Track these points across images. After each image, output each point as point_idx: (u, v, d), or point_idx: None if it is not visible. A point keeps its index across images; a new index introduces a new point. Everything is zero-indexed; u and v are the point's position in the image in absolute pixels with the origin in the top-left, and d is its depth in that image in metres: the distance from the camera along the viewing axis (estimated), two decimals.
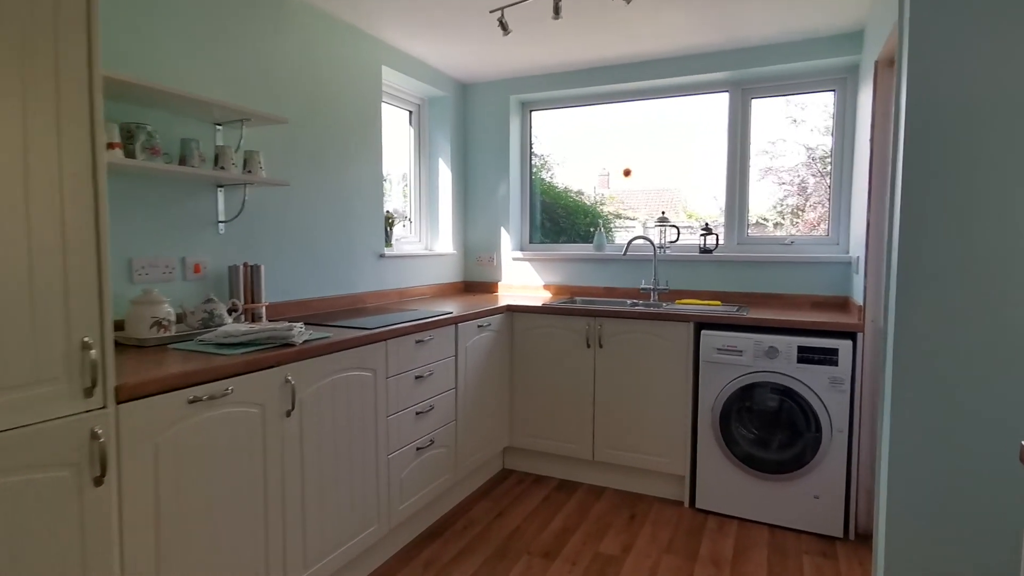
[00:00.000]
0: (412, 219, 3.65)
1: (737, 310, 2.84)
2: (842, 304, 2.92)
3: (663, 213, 3.38)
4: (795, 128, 3.36)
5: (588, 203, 4.05)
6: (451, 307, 2.88)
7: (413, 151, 3.63)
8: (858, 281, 2.62)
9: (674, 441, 2.75)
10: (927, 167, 1.53)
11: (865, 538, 2.45)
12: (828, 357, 2.40)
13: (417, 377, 2.34)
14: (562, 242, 3.80)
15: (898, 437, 1.56)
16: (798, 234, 3.36)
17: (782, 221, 3.67)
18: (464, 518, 2.62)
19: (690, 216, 3.82)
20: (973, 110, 1.46)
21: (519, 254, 3.67)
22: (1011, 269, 1.43)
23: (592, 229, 3.72)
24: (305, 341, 1.81)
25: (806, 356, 2.44)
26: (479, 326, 2.77)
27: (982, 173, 1.46)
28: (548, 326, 2.98)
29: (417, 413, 2.34)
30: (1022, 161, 1.42)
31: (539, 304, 3.04)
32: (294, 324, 1.84)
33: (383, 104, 3.13)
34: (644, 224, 4.15)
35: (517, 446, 3.10)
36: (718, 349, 2.59)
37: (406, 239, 3.55)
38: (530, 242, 3.83)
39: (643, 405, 2.80)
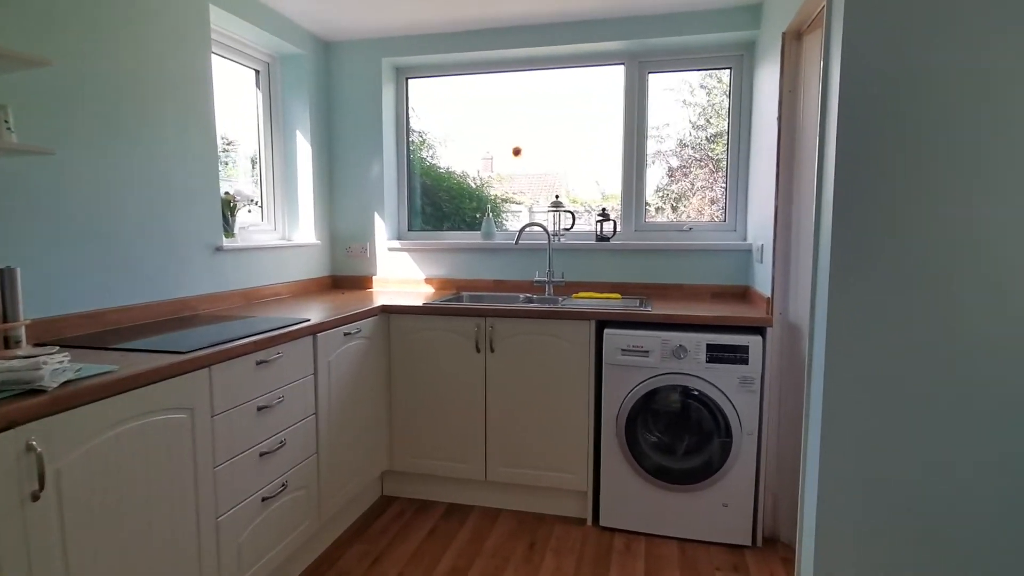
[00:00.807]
0: (263, 203, 3.02)
1: (639, 304, 2.59)
2: (742, 294, 2.78)
3: (557, 197, 3.06)
4: (685, 110, 3.18)
5: (474, 186, 3.65)
6: (313, 311, 2.35)
7: (262, 120, 2.99)
8: (761, 270, 2.47)
9: (575, 454, 2.45)
10: (863, 146, 1.30)
11: (771, 543, 2.31)
12: (738, 355, 2.21)
13: (261, 408, 1.81)
14: (445, 229, 3.37)
15: (829, 440, 1.36)
16: (694, 220, 3.21)
17: (663, 206, 3.51)
18: (332, 572, 2.14)
19: (574, 201, 3.56)
20: (914, 81, 1.23)
21: (396, 244, 3.18)
22: (955, 259, 1.24)
23: (478, 215, 3.33)
24: (66, 383, 1.23)
25: (716, 355, 2.23)
26: (346, 334, 2.28)
27: (926, 150, 1.24)
28: (430, 328, 2.55)
29: (262, 454, 1.82)
30: (970, 138, 1.22)
31: (420, 303, 2.60)
32: (48, 355, 1.24)
33: (215, 57, 2.49)
34: (531, 209, 3.84)
35: (398, 469, 2.65)
36: (623, 350, 2.32)
37: (256, 227, 2.92)
38: (409, 230, 3.36)
39: (541, 416, 2.48)
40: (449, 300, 2.78)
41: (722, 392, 2.23)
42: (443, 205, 3.50)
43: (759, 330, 2.27)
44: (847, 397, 1.35)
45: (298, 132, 3.07)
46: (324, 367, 2.14)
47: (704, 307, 2.50)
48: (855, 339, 1.34)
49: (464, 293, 3.01)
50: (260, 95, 2.98)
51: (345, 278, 3.27)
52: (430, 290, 3.15)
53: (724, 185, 3.00)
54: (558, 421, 2.46)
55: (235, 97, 2.85)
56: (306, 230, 3.12)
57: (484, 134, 3.43)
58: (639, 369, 2.31)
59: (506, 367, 2.49)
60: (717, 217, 3.06)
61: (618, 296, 2.78)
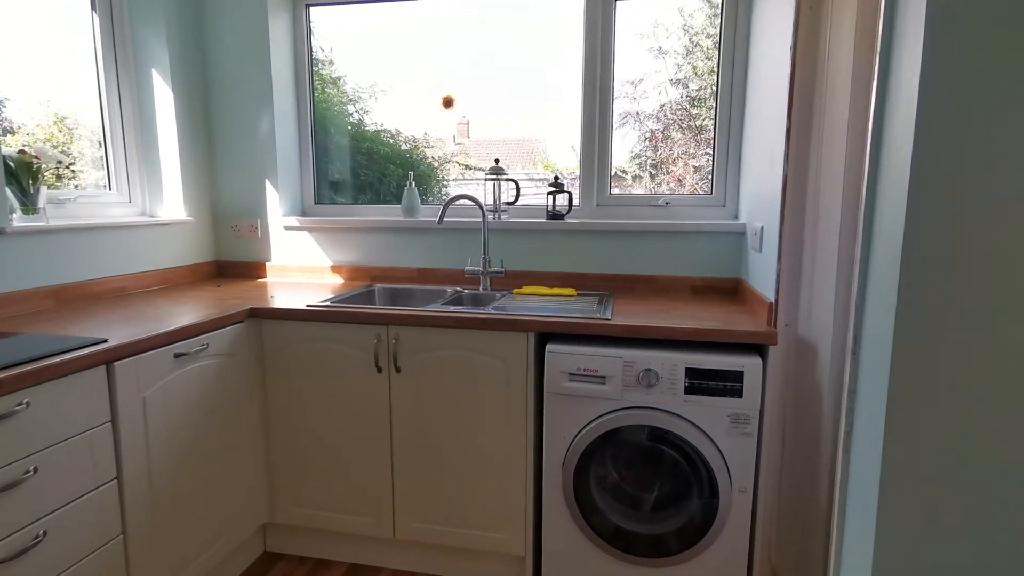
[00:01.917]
0: (110, 166, 2.28)
1: (599, 303, 1.95)
2: (731, 289, 2.16)
3: (497, 162, 2.37)
4: (661, 60, 2.50)
5: (406, 147, 2.94)
6: (146, 319, 1.65)
7: (102, 57, 2.24)
8: (759, 263, 1.83)
9: (510, 510, 1.84)
10: (961, 79, 0.66)
11: None
12: (729, 384, 1.58)
13: None
14: (364, 202, 2.67)
15: (889, 520, 0.76)
16: (673, 193, 2.56)
17: (641, 174, 2.88)
18: None
19: (547, 168, 2.89)
20: None
21: (294, 221, 2.48)
22: None
23: (420, 187, 2.63)
24: None
25: (699, 383, 1.60)
26: (178, 355, 1.60)
27: None
28: (316, 339, 1.88)
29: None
30: None
31: (304, 305, 1.92)
32: None
33: None
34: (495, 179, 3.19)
35: (283, 522, 2.02)
36: (571, 374, 1.68)
37: (94, 198, 2.19)
38: (316, 203, 2.65)
39: (464, 458, 1.84)
40: (351, 298, 2.11)
41: (706, 435, 1.61)
42: (361, 171, 2.79)
43: (758, 349, 1.64)
44: (920, 458, 0.76)
45: (155, 73, 2.31)
46: (133, 408, 1.47)
47: (683, 309, 1.87)
48: (937, 368, 0.73)
49: (378, 285, 2.34)
50: (98, 21, 2.22)
51: (232, 265, 2.57)
52: (338, 280, 2.46)
53: (710, 150, 2.34)
54: (487, 466, 1.83)
55: (54, 22, 2.09)
56: (173, 203, 2.39)
57: (436, 81, 2.69)
58: (593, 401, 1.68)
59: (417, 393, 1.84)
60: (701, 189, 2.41)
61: (573, 292, 2.13)
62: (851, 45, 1.36)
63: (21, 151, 1.81)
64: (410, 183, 2.44)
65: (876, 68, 0.98)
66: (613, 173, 2.99)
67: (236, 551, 1.93)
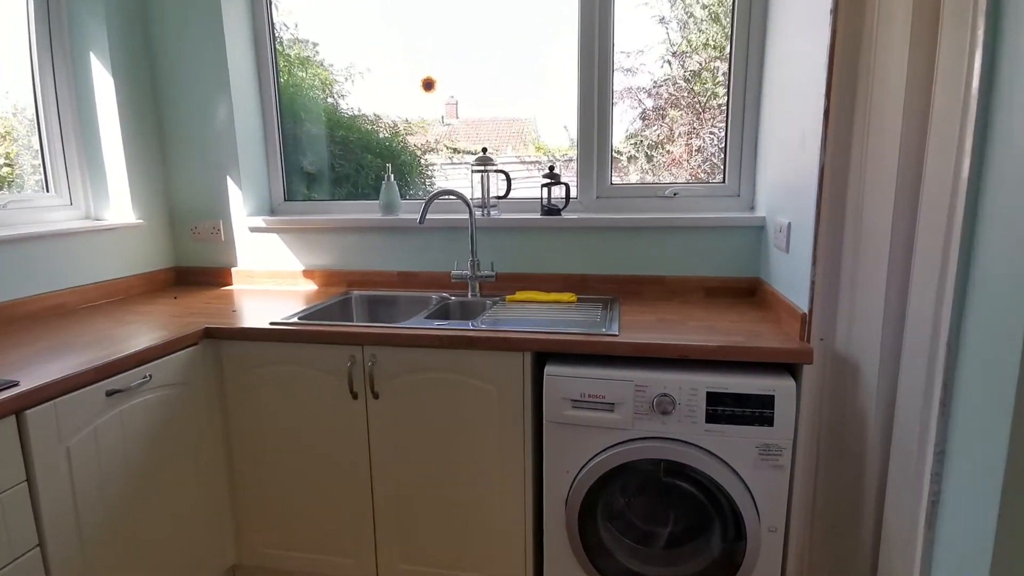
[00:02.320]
0: (47, 165, 2.02)
1: (603, 310, 1.72)
2: (749, 290, 1.93)
3: (484, 151, 2.12)
4: (661, 29, 2.25)
5: (385, 134, 2.68)
6: (79, 346, 1.41)
7: (35, 40, 1.95)
8: (785, 263, 1.60)
9: (507, 550, 1.62)
10: None
11: None
12: (757, 411, 1.36)
13: None
14: (342, 198, 2.42)
15: None
16: (675, 182, 2.33)
17: (637, 155, 2.64)
18: None
19: (539, 149, 2.65)
20: None
21: (260, 221, 2.22)
22: None
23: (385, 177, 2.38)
24: None
25: (722, 410, 1.38)
26: (111, 392, 1.36)
27: None
28: (282, 362, 1.65)
29: None
30: None
31: (266, 324, 1.68)
32: None
33: None
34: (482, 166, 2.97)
35: (253, 564, 1.80)
36: (574, 401, 1.46)
37: (26, 203, 1.93)
38: (287, 199, 2.39)
39: (454, 493, 1.63)
40: (323, 311, 1.87)
41: (731, 469, 1.40)
42: (337, 163, 2.53)
43: (789, 368, 1.42)
44: None
45: (93, 58, 2.03)
46: (54, 461, 1.23)
47: (699, 317, 1.64)
48: None
49: (355, 293, 2.09)
50: (31, 4, 1.93)
51: (193, 271, 2.31)
52: (311, 287, 2.22)
53: (720, 127, 2.09)
54: (480, 501, 1.61)
55: None
56: (120, 205, 2.13)
57: (417, 62, 2.42)
58: (600, 431, 1.45)
59: (398, 421, 1.61)
60: (702, 174, 2.18)
61: (573, 298, 1.89)
62: (908, 4, 1.11)
63: None
64: (387, 176, 2.18)
65: (977, 31, 0.74)
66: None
67: None
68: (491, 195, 2.11)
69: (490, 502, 1.60)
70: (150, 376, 1.46)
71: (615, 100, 2.24)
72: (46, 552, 1.22)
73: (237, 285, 2.27)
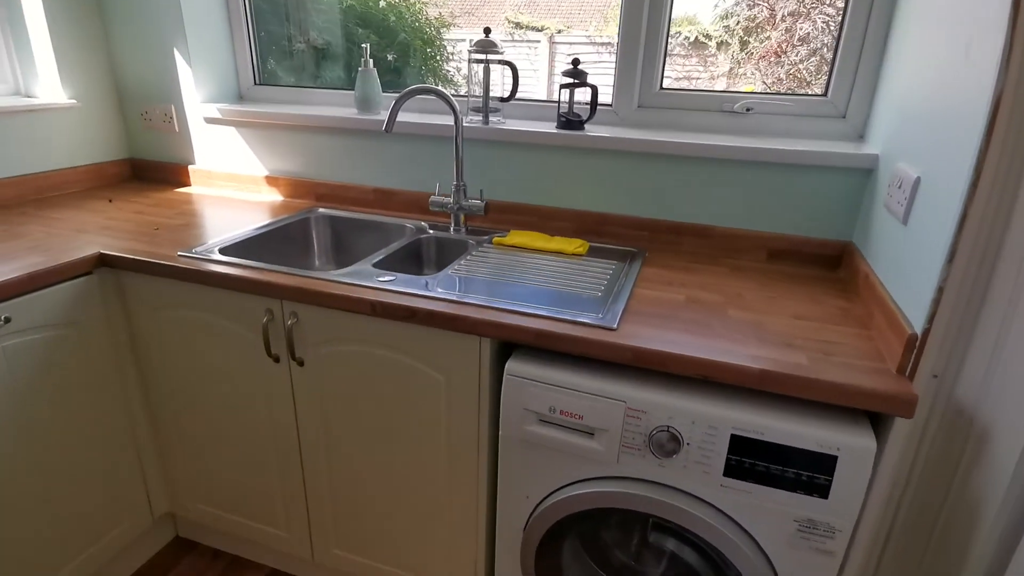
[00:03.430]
0: None
1: (617, 272, 1.23)
2: (834, 260, 1.37)
3: (487, 32, 1.54)
4: None
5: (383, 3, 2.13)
6: None
7: None
8: (899, 238, 1.04)
9: (454, 559, 1.31)
10: None
11: None
12: (808, 475, 0.90)
13: None
14: (324, 84, 1.94)
15: None
16: (758, 90, 1.72)
17: (729, 41, 2.02)
18: None
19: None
20: None
21: (214, 110, 1.80)
22: None
23: (394, 56, 1.87)
24: None
25: (752, 463, 0.92)
26: None
27: None
28: (191, 307, 1.30)
29: None
30: None
31: (169, 260, 1.31)
32: None
33: None
34: (551, 40, 2.45)
35: (189, 517, 1.60)
36: (540, 416, 1.03)
37: None
38: (257, 82, 1.93)
39: (393, 487, 1.30)
40: (266, 237, 1.48)
41: (753, 542, 0.96)
42: (322, 39, 2.02)
43: (873, 414, 0.92)
44: None
45: None
46: None
47: (750, 295, 1.14)
48: None
49: (320, 210, 1.68)
50: None
51: (150, 166, 1.96)
52: (275, 197, 1.83)
53: (829, 12, 1.42)
54: (424, 502, 1.28)
55: None
56: (50, 80, 1.75)
57: None
58: (573, 459, 1.04)
59: (327, 396, 1.26)
60: (805, 73, 1.57)
61: (583, 246, 1.40)
62: None
63: None
64: (365, 59, 1.67)
65: None
66: (694, 38, 2.11)
67: (139, 539, 1.55)
68: (496, 94, 1.57)
69: (436, 502, 1.26)
70: (6, 319, 1.14)
71: None
72: None
73: (194, 187, 1.90)
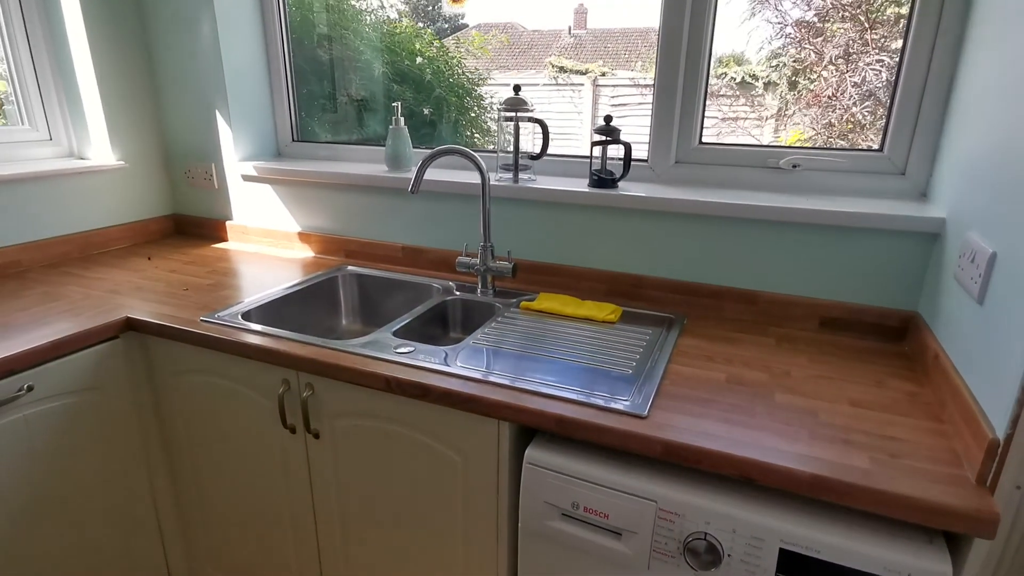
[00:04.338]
0: (19, 94, 1.74)
1: (653, 341, 1.14)
2: (897, 332, 1.23)
3: (516, 90, 1.50)
4: None
5: (424, 56, 2.16)
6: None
7: None
8: (972, 316, 0.91)
9: None
10: None
11: None
12: None
13: None
14: (363, 138, 1.96)
15: None
16: (807, 135, 1.64)
17: (777, 82, 1.95)
18: None
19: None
20: None
21: (251, 168, 1.83)
22: None
23: (429, 111, 1.87)
24: None
25: None
26: None
27: None
28: (212, 373, 1.28)
29: None
30: None
31: (190, 326, 1.30)
32: None
33: None
34: (594, 82, 2.46)
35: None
36: (563, 511, 0.94)
37: None
38: (295, 139, 1.97)
39: (410, 571, 1.21)
40: (296, 296, 1.46)
41: None
42: (357, 95, 2.05)
43: (953, 539, 0.79)
44: None
45: None
46: None
47: (795, 380, 1.02)
48: None
49: (349, 268, 1.67)
50: None
51: (191, 221, 2.00)
52: (306, 253, 1.82)
53: (893, 55, 1.33)
54: None
55: None
56: (101, 143, 1.82)
57: None
58: (599, 563, 0.94)
59: (342, 472, 1.20)
60: (860, 116, 1.47)
61: (616, 312, 1.32)
62: None
63: None
64: (395, 118, 1.66)
65: None
66: (740, 79, 2.04)
67: None
68: (526, 150, 1.53)
69: None
70: (29, 387, 1.14)
71: (750, 12, 1.56)
72: None
73: (231, 243, 1.93)
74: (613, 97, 2.54)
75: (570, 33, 2.94)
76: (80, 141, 1.84)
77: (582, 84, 2.60)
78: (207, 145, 1.88)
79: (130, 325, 1.31)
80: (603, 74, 2.59)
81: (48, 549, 1.22)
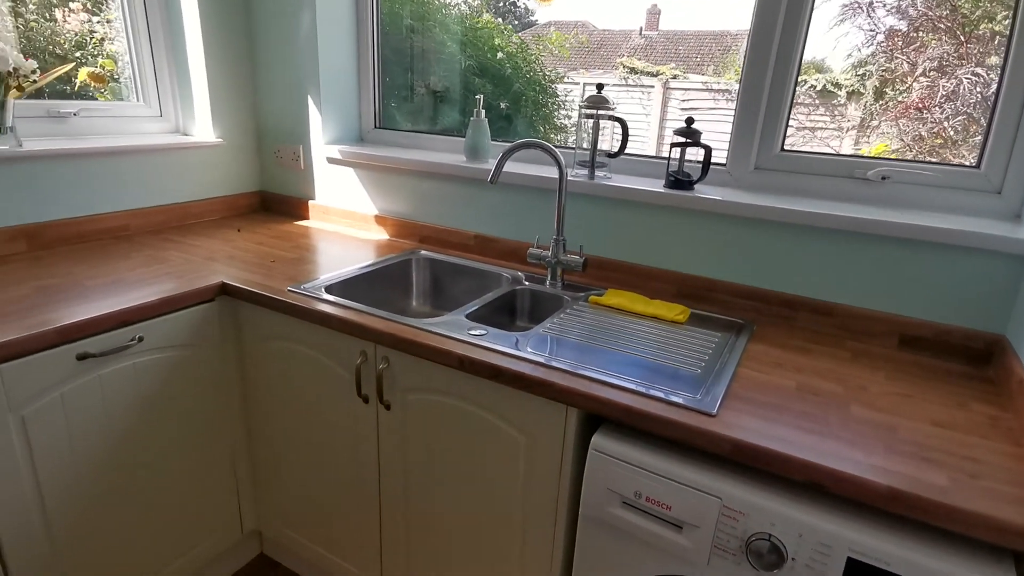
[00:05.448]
0: (137, 71, 1.89)
1: (720, 345, 1.14)
2: (982, 356, 1.19)
3: (599, 88, 1.52)
4: None
5: (506, 50, 2.21)
6: (82, 291, 1.26)
7: None
8: None
9: None
10: None
11: None
12: None
13: None
14: (440, 128, 2.02)
15: None
16: (893, 147, 1.60)
17: (862, 91, 1.90)
18: None
19: (739, 74, 2.05)
20: None
21: (336, 152, 1.92)
22: None
23: (505, 106, 1.92)
24: None
25: None
26: (83, 356, 1.17)
27: None
28: (294, 340, 1.37)
29: None
30: None
31: (279, 294, 1.39)
32: None
33: None
34: (665, 85, 2.46)
35: (273, 538, 1.66)
36: (625, 499, 0.96)
37: (106, 112, 1.82)
38: (377, 126, 2.06)
39: (465, 549, 1.26)
40: (371, 276, 1.54)
41: None
42: (440, 86, 2.11)
43: (1021, 559, 0.77)
44: None
45: None
46: (7, 431, 1.09)
47: (872, 396, 1.00)
48: None
49: (422, 252, 1.73)
50: None
51: (276, 199, 2.13)
52: (381, 236, 1.91)
53: (990, 70, 1.28)
54: (497, 569, 1.23)
55: None
56: (204, 120, 1.96)
57: None
58: (657, 554, 0.96)
59: (409, 443, 1.26)
60: (951, 131, 1.42)
61: (684, 313, 1.33)
62: None
63: None
64: (477, 110, 1.72)
65: None
66: (821, 86, 2.00)
67: (228, 551, 1.63)
68: (603, 148, 1.55)
69: (508, 571, 1.21)
70: (139, 338, 1.26)
71: (839, 17, 1.54)
72: None
73: (313, 221, 2.04)
74: (683, 101, 2.51)
75: (641, 34, 2.92)
76: (186, 118, 1.98)
77: (652, 86, 2.59)
78: (297, 128, 1.98)
79: (225, 290, 1.41)
80: (674, 77, 2.57)
81: (140, 487, 1.34)
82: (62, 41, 1.84)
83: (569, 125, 2.41)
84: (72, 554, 1.24)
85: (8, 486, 1.11)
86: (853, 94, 1.90)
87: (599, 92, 1.51)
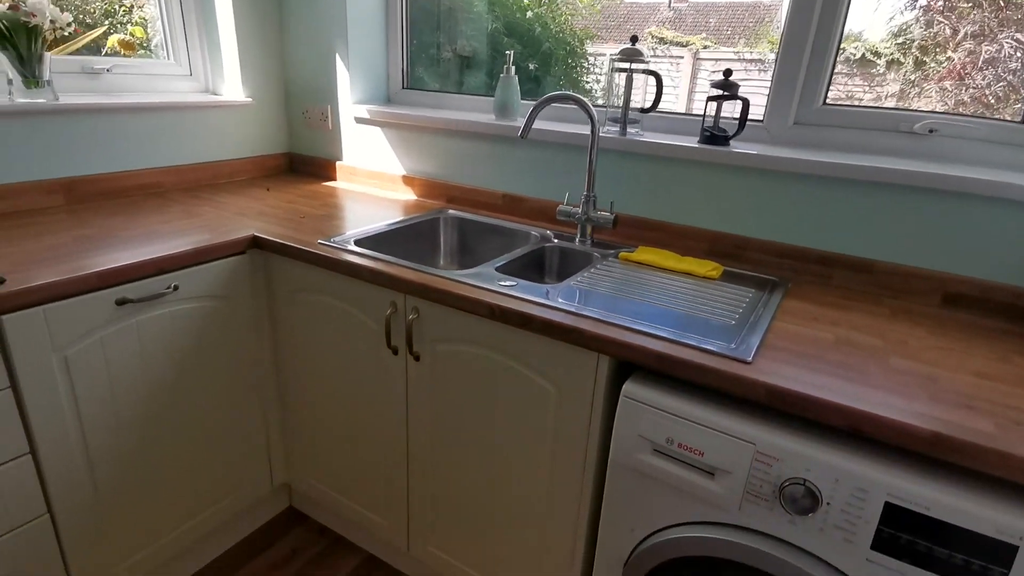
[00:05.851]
0: (167, 28, 1.90)
1: (754, 300, 1.12)
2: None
3: (633, 41, 1.48)
4: None
5: (541, 10, 2.17)
6: (119, 240, 1.28)
7: None
8: None
9: (548, 572, 1.26)
10: None
11: None
12: (982, 566, 0.74)
13: None
14: (467, 90, 2.00)
15: None
16: (941, 109, 1.53)
17: (902, 60, 1.82)
18: None
19: (772, 44, 1.97)
20: None
21: (364, 111, 1.91)
22: None
23: (534, 67, 1.89)
24: None
25: (908, 540, 0.78)
26: (122, 301, 1.20)
27: None
28: (325, 292, 1.38)
29: None
30: None
31: (309, 246, 1.40)
32: None
33: None
34: (695, 55, 2.39)
35: (302, 491, 1.70)
36: (656, 446, 0.96)
37: (139, 69, 1.84)
38: (405, 86, 2.04)
39: (491, 497, 1.28)
40: (398, 233, 1.54)
41: None
42: (466, 47, 2.08)
43: None
44: None
45: None
46: (45, 369, 1.12)
47: (913, 349, 0.98)
48: None
49: (449, 212, 1.73)
50: None
51: (304, 160, 2.13)
52: (409, 196, 1.90)
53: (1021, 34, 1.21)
54: (522, 519, 1.24)
55: None
56: (233, 80, 1.97)
57: None
58: (688, 499, 0.95)
59: (438, 394, 1.27)
60: (990, 98, 1.35)
61: (717, 269, 1.30)
62: None
63: (13, 6, 1.45)
64: (507, 67, 1.69)
65: None
66: (860, 55, 1.93)
67: (257, 503, 1.68)
68: (636, 105, 1.52)
69: (535, 520, 1.22)
70: (175, 286, 1.28)
71: None
72: (38, 459, 1.15)
73: (340, 182, 2.04)
74: (713, 72, 2.45)
75: (670, 6, 2.84)
76: (215, 77, 1.99)
77: (682, 56, 2.52)
78: (325, 88, 1.98)
79: (256, 243, 1.43)
80: (705, 47, 2.50)
81: (173, 436, 1.38)
82: (92, 10, 1.85)
83: (598, 89, 2.37)
84: (113, 497, 1.28)
85: (54, 427, 1.15)
86: (892, 63, 1.83)
87: (633, 44, 1.47)
